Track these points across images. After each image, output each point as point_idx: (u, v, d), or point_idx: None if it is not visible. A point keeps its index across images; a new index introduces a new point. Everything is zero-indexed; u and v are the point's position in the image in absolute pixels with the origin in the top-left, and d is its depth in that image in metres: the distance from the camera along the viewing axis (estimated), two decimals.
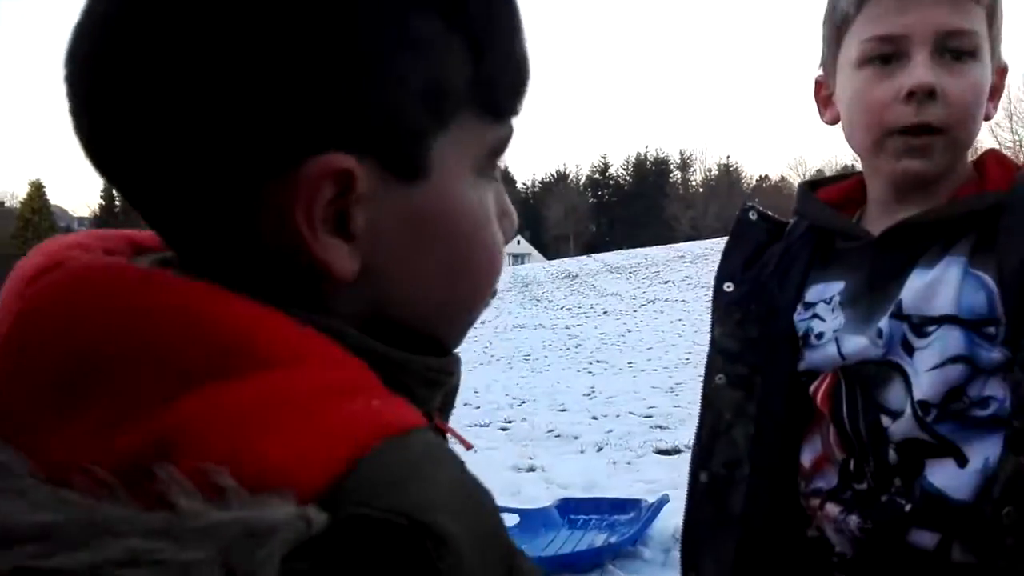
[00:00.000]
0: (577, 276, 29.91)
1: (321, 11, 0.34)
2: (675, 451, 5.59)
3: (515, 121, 0.43)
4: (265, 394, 0.31)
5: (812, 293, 0.92)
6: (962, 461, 0.80)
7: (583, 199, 71.70)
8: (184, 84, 0.34)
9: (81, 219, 63.83)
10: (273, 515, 0.28)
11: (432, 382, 0.41)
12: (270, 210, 0.36)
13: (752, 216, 1.04)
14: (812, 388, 0.90)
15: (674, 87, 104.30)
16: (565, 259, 40.95)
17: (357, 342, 0.36)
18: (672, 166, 71.95)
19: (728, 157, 79.07)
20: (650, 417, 7.11)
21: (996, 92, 0.87)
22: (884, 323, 0.83)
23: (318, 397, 0.32)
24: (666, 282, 25.76)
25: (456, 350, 0.45)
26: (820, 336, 0.90)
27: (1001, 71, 0.87)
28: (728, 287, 1.01)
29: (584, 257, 38.71)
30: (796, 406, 0.92)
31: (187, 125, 0.35)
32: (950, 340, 0.80)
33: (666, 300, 21.98)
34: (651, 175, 70.50)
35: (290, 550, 0.28)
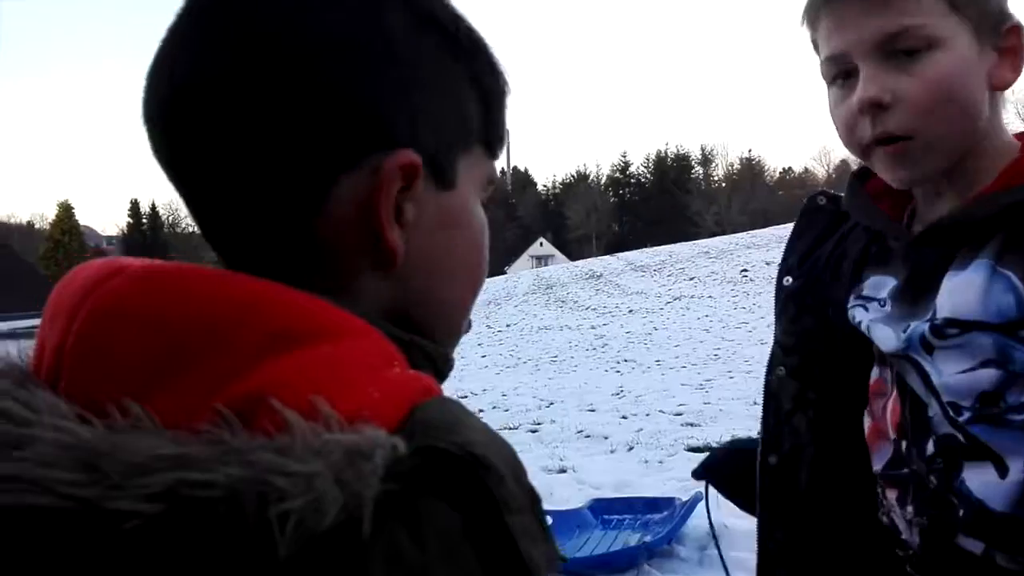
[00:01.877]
0: (601, 276, 29.83)
1: (394, 51, 0.43)
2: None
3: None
4: (334, 357, 0.37)
5: (869, 286, 0.92)
6: (1003, 470, 0.78)
7: (604, 199, 71.50)
8: (268, 107, 0.41)
9: (110, 238, 64.89)
10: (374, 437, 0.34)
11: (439, 371, 0.48)
12: (342, 202, 0.42)
13: (821, 201, 1.03)
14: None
15: (693, 82, 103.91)
16: (589, 259, 40.86)
17: (381, 327, 0.42)
18: (693, 162, 71.49)
19: (750, 151, 78.60)
20: (680, 415, 7.07)
21: (1015, 52, 0.81)
22: (914, 323, 0.83)
23: (371, 361, 0.39)
24: (691, 279, 25.60)
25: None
26: (858, 325, 0.91)
27: (1011, 31, 0.80)
28: (787, 281, 1.02)
29: (608, 256, 38.60)
30: (856, 389, 0.93)
31: (269, 133, 0.41)
32: (979, 344, 0.77)
33: (692, 297, 21.85)
34: (672, 172, 70.11)
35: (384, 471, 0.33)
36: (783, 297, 1.02)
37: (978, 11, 0.79)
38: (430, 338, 0.47)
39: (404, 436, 0.36)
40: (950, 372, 0.80)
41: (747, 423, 6.46)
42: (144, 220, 64.36)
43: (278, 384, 0.35)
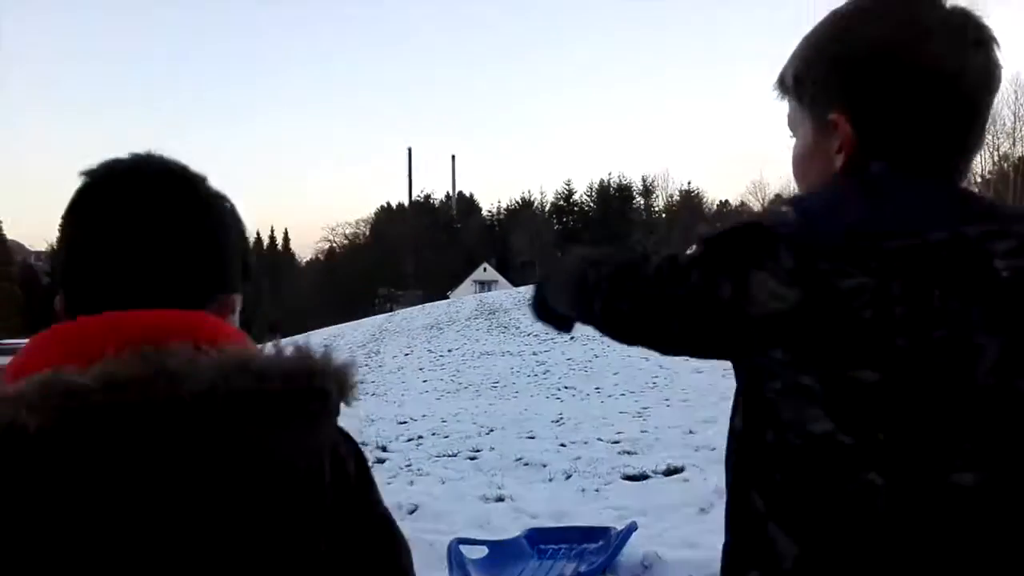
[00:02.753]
0: None
1: (227, 242, 0.76)
2: (643, 476, 5.58)
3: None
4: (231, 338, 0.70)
5: None
6: None
7: (548, 226, 72.11)
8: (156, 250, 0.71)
9: (39, 253, 62.46)
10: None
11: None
12: (211, 310, 0.73)
13: None
14: None
15: (636, 113, 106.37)
16: (532, 286, 40.90)
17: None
18: (635, 192, 72.87)
19: (689, 183, 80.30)
20: (618, 443, 7.10)
21: (838, 146, 0.82)
22: None
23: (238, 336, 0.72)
24: None
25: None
26: None
27: (830, 125, 0.82)
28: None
29: None
30: None
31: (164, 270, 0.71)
32: None
33: None
34: (615, 201, 71.24)
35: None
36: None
37: (813, 98, 0.86)
38: None
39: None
40: None
41: (683, 451, 6.53)
42: None
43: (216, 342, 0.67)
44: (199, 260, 0.71)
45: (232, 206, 0.77)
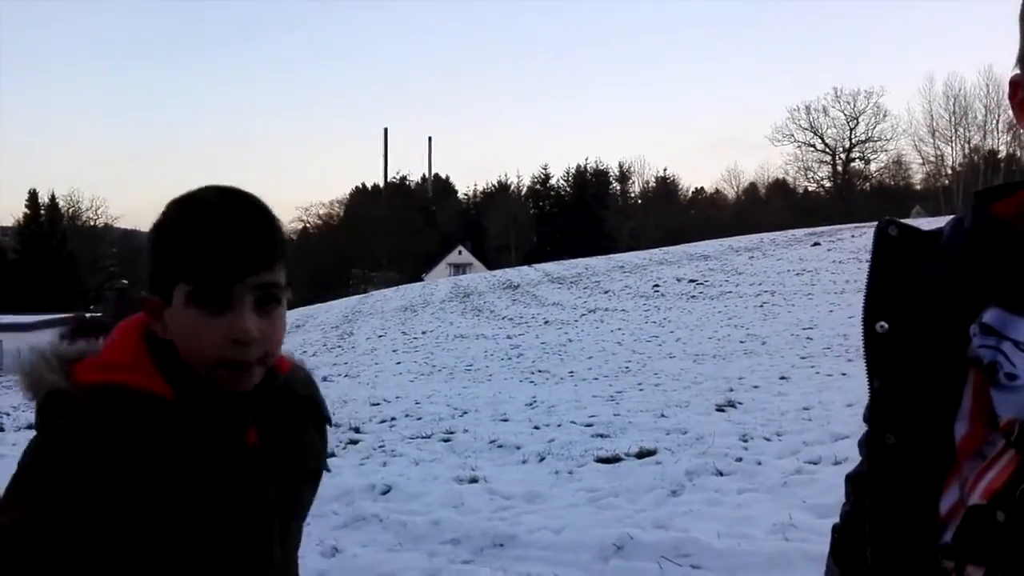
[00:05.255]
0: (519, 286, 29.99)
1: (170, 242, 0.92)
2: (615, 459, 5.64)
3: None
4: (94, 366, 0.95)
5: (991, 317, 0.79)
6: None
7: (524, 210, 71.99)
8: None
9: (4, 228, 61.21)
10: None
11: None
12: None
13: (893, 232, 0.88)
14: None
15: (614, 99, 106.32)
16: (506, 269, 41.00)
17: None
18: (611, 178, 72.96)
19: (665, 169, 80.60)
20: (591, 426, 7.16)
21: None
22: None
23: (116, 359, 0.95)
24: (606, 292, 26.04)
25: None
26: (1013, 378, 0.77)
27: None
28: (882, 327, 0.85)
29: (525, 267, 38.84)
30: (945, 444, 0.80)
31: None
32: None
33: (606, 310, 22.22)
34: (591, 186, 71.31)
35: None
36: (881, 348, 0.85)
37: None
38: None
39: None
40: None
41: (655, 435, 6.60)
42: (42, 211, 61.04)
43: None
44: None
45: None
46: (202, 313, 0.90)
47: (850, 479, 0.99)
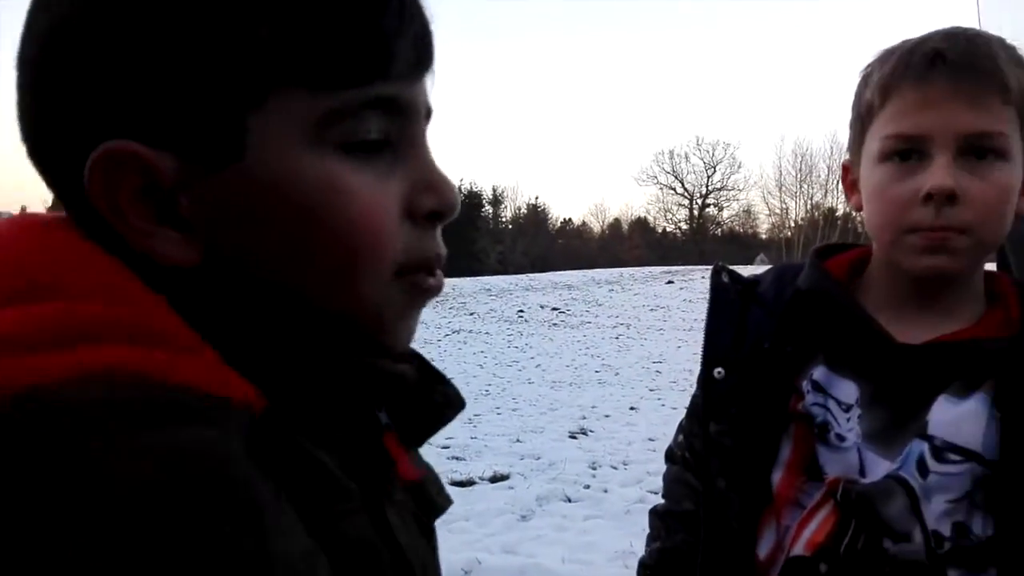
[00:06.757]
0: None
1: (106, 15, 0.38)
2: (469, 483, 5.64)
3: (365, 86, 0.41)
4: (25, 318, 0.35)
5: (820, 374, 0.84)
6: None
7: None
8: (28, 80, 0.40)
9: None
10: None
11: (317, 373, 0.42)
12: (91, 196, 0.39)
13: (724, 278, 0.93)
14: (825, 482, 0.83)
15: (492, 124, 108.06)
16: None
17: (202, 319, 0.38)
18: (485, 201, 73.74)
19: (537, 198, 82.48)
20: (447, 448, 7.12)
21: None
22: (910, 441, 0.79)
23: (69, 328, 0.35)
24: (472, 313, 26.13)
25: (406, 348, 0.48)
26: (841, 439, 0.81)
27: None
28: (719, 373, 0.88)
29: None
30: (763, 488, 0.84)
31: (26, 110, 0.41)
32: (973, 475, 0.76)
33: (470, 331, 22.27)
34: (465, 207, 71.72)
35: None
36: (717, 394, 0.88)
37: None
38: (350, 324, 0.43)
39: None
40: (940, 500, 0.77)
41: (509, 459, 6.66)
42: None
43: None
44: None
45: None
46: None
47: (658, 515, 1.00)
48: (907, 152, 0.79)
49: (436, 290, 0.47)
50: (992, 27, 0.87)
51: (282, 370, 0.40)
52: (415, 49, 0.43)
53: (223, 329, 0.39)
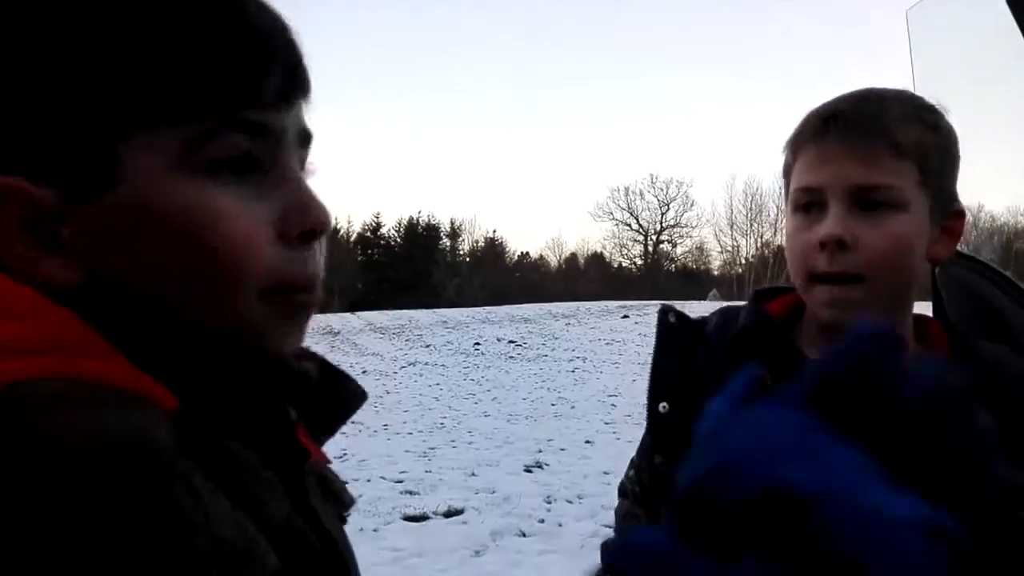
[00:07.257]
0: (339, 333, 29.18)
1: None
2: (423, 517, 5.56)
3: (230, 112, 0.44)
4: None
5: None
6: None
7: (351, 256, 70.85)
8: None
9: None
10: None
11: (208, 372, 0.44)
12: None
13: (672, 319, 0.97)
14: None
15: (451, 156, 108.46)
16: (328, 315, 39.84)
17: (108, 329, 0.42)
18: (443, 233, 73.85)
19: (495, 231, 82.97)
20: (401, 482, 7.02)
21: (952, 234, 0.89)
22: None
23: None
24: (428, 346, 25.99)
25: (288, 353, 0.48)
26: None
27: (956, 214, 0.88)
28: (664, 408, 0.93)
29: (348, 314, 37.99)
30: None
31: None
32: None
33: (426, 364, 22.12)
34: (421, 239, 71.68)
35: None
36: (663, 428, 0.92)
37: (938, 189, 0.86)
38: (230, 337, 0.44)
39: None
40: None
41: (464, 493, 6.59)
42: None
43: None
44: None
45: None
46: None
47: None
48: (809, 204, 0.87)
49: (313, 304, 0.49)
50: (927, 89, 0.92)
51: (188, 372, 0.43)
52: (283, 78, 0.45)
53: (125, 339, 0.42)
